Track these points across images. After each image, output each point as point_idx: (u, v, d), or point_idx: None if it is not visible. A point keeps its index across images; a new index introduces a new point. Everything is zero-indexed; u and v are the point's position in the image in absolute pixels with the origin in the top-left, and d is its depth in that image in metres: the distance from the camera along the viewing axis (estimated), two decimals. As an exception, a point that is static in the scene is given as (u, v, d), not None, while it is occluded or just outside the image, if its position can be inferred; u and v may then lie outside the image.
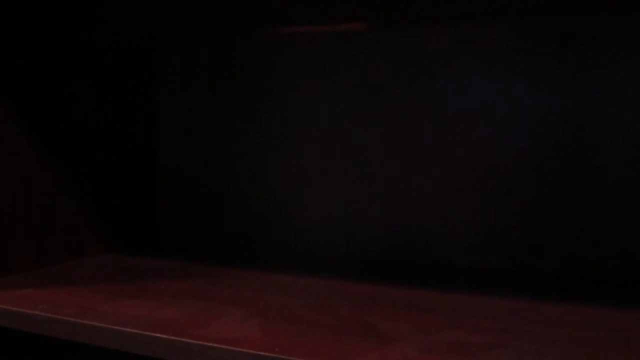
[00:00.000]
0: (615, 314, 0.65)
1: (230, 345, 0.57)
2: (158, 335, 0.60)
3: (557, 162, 0.81)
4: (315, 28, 0.94)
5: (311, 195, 0.95)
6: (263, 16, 0.97)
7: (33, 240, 0.85)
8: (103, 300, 0.72)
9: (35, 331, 0.67)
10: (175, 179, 1.06)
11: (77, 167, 0.92)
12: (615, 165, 0.78)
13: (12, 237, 0.82)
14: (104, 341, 0.63)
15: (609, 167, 0.78)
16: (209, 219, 1.04)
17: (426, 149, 0.88)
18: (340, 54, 0.92)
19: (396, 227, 0.90)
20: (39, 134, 0.86)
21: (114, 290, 0.76)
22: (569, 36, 0.79)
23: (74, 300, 0.72)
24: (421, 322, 0.63)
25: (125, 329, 0.62)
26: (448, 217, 0.87)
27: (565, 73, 0.80)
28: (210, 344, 0.57)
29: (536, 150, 0.81)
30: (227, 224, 1.02)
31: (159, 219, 1.08)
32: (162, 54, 1.06)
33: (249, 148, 1.00)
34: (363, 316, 0.65)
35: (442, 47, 0.86)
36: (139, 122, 1.03)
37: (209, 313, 0.67)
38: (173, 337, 0.59)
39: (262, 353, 0.55)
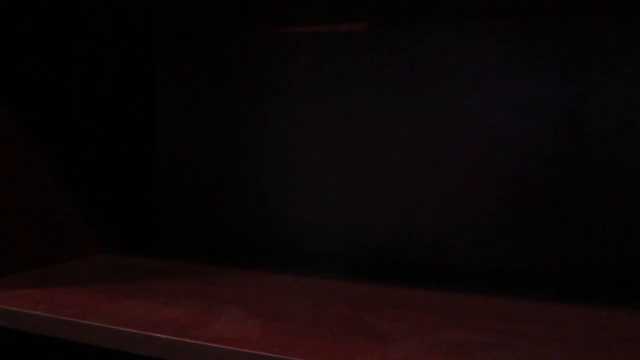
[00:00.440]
0: (615, 314, 0.65)
1: (230, 345, 0.57)
2: (158, 335, 0.60)
3: (557, 162, 0.81)
4: (315, 28, 0.94)
5: (311, 195, 0.95)
6: (263, 16, 0.97)
7: (33, 240, 0.85)
8: (103, 300, 0.72)
9: (35, 331, 0.67)
10: (175, 179, 1.06)
11: (77, 167, 0.92)
12: (616, 165, 0.78)
13: (12, 237, 0.82)
14: (104, 341, 0.63)
15: (609, 167, 0.78)
16: (209, 219, 1.04)
17: (426, 149, 0.88)
18: (340, 54, 0.92)
19: (396, 227, 0.90)
20: (38, 134, 0.86)
21: (114, 290, 0.76)
22: (569, 36, 0.79)
23: (74, 300, 0.72)
24: (421, 322, 0.63)
25: (125, 329, 0.62)
26: (448, 217, 0.87)
27: (565, 73, 0.80)
28: (210, 344, 0.57)
29: (536, 150, 0.81)
30: (227, 224, 1.02)
31: (159, 219, 1.08)
32: (162, 54, 1.06)
33: (249, 148, 1.00)
34: (363, 316, 0.65)
35: (442, 47, 0.86)
36: (139, 122, 1.03)
37: (209, 313, 0.67)
38: (173, 337, 0.59)
39: (262, 353, 0.55)
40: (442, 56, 0.86)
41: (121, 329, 0.62)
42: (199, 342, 0.58)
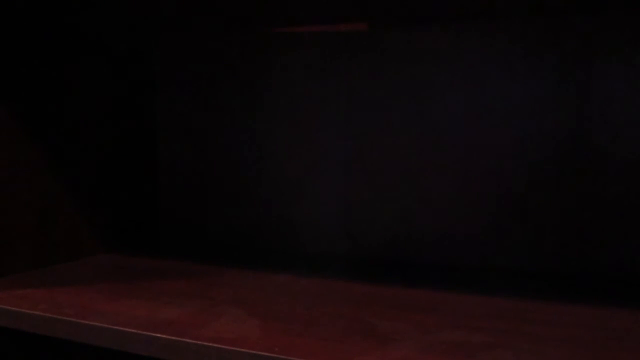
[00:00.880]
0: (615, 314, 0.65)
1: (230, 345, 0.57)
2: (158, 335, 0.60)
3: (557, 162, 0.81)
4: (315, 28, 0.94)
5: (311, 195, 0.95)
6: (263, 16, 0.97)
7: (33, 240, 0.85)
8: (103, 300, 0.72)
9: (36, 331, 0.67)
10: (175, 179, 1.06)
11: (77, 167, 0.92)
12: (615, 165, 0.78)
13: (12, 237, 0.82)
14: (104, 341, 0.63)
15: (609, 167, 0.78)
16: (209, 219, 1.04)
17: (426, 149, 0.88)
18: (340, 54, 0.92)
19: (396, 227, 0.90)
20: (39, 134, 0.86)
21: (114, 290, 0.76)
22: (569, 36, 0.79)
23: (74, 300, 0.72)
24: (421, 322, 0.63)
25: (125, 329, 0.62)
26: (448, 217, 0.87)
27: (565, 73, 0.80)
28: (210, 344, 0.57)
29: (536, 150, 0.81)
30: (227, 224, 1.02)
31: (158, 219, 1.08)
32: (162, 54, 1.06)
33: (249, 148, 1.00)
34: (363, 316, 0.65)
35: (442, 47, 0.86)
36: (139, 122, 1.03)
37: (209, 313, 0.67)
38: (173, 337, 0.59)
39: (262, 353, 0.55)
40: (441, 56, 0.86)
41: (121, 329, 0.62)
42: (199, 342, 0.58)
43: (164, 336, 0.60)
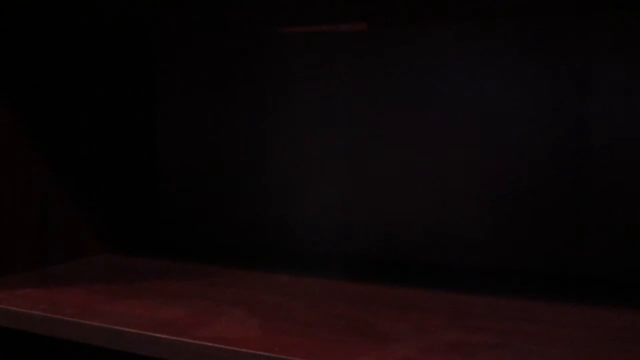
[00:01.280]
0: (615, 314, 0.65)
1: (230, 345, 0.57)
2: (158, 335, 0.60)
3: (557, 162, 0.81)
4: (315, 28, 0.94)
5: (311, 195, 0.95)
6: (263, 16, 0.97)
7: (33, 240, 0.85)
8: (103, 300, 0.72)
9: (35, 331, 0.67)
10: (175, 179, 1.06)
11: (77, 167, 0.92)
12: (615, 165, 0.78)
13: (12, 237, 0.82)
14: (104, 341, 0.63)
15: (609, 167, 0.78)
16: (209, 219, 1.04)
17: (426, 149, 0.88)
18: (340, 54, 0.92)
19: (396, 227, 0.90)
20: (38, 134, 0.86)
21: (114, 290, 0.76)
22: (569, 36, 0.79)
23: (74, 300, 0.72)
24: (421, 322, 0.63)
25: (125, 329, 0.62)
26: (448, 217, 0.87)
27: (565, 73, 0.80)
28: (210, 344, 0.57)
29: (536, 150, 0.81)
30: (227, 224, 1.02)
31: (159, 219, 1.08)
32: (162, 54, 1.06)
33: (248, 148, 1.00)
34: (363, 316, 0.65)
35: (442, 47, 0.86)
36: (139, 121, 1.03)
37: (209, 313, 0.67)
38: (173, 337, 0.59)
39: (262, 353, 0.55)
40: (441, 56, 0.86)
41: (121, 329, 0.62)
42: (199, 342, 0.58)
43: (164, 336, 0.60)
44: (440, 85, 0.86)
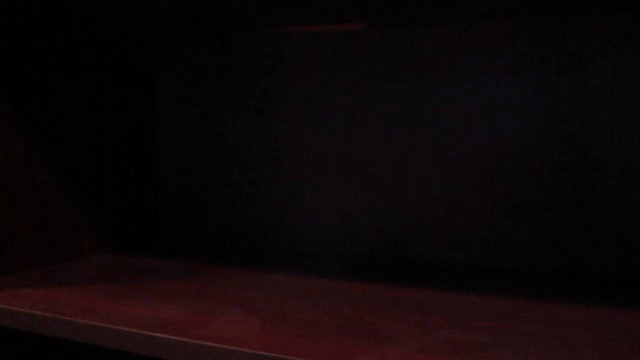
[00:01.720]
0: (615, 314, 0.65)
1: (230, 345, 0.57)
2: (158, 335, 0.60)
3: (558, 162, 0.81)
4: (315, 28, 0.94)
5: (311, 195, 0.95)
6: (263, 16, 0.97)
7: (33, 240, 0.85)
8: (103, 300, 0.72)
9: (36, 331, 0.67)
10: (175, 179, 1.06)
11: (77, 166, 0.92)
12: (616, 165, 0.78)
13: (12, 237, 0.82)
14: (104, 341, 0.63)
15: (609, 167, 0.78)
16: (209, 219, 1.04)
17: (426, 149, 0.88)
18: (340, 54, 0.92)
19: (396, 227, 0.90)
20: (38, 134, 0.86)
21: (114, 290, 0.76)
22: (569, 36, 0.79)
23: (74, 300, 0.72)
24: (421, 322, 0.63)
25: (125, 329, 0.62)
26: (448, 217, 0.87)
27: (565, 73, 0.80)
28: (210, 344, 0.57)
29: (536, 150, 0.81)
30: (227, 224, 1.02)
31: (159, 219, 1.08)
32: (162, 54, 1.06)
33: (248, 148, 1.00)
34: (363, 316, 0.65)
35: (442, 47, 0.86)
36: (139, 121, 1.03)
37: (209, 313, 0.67)
38: (173, 337, 0.59)
39: (262, 353, 0.55)
40: (441, 56, 0.86)
41: (121, 329, 0.62)
42: (199, 342, 0.58)
43: (164, 336, 0.60)
44: (440, 85, 0.86)
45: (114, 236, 0.99)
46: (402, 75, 0.88)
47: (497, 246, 0.84)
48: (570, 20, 0.79)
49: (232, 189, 1.02)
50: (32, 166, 0.85)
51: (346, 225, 0.93)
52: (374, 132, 0.91)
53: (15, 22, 0.82)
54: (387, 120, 0.90)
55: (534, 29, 0.81)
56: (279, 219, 0.98)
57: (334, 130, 0.93)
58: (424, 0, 0.86)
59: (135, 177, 1.03)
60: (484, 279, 0.80)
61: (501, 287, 0.76)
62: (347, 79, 0.92)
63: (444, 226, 0.87)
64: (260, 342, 0.57)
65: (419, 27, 0.87)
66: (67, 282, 0.80)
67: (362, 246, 0.92)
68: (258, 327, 0.62)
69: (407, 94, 0.88)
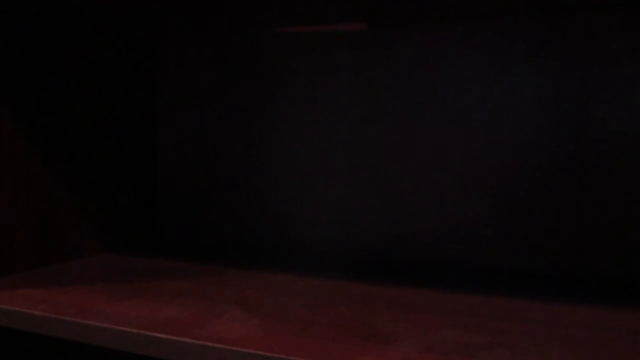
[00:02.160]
0: (615, 314, 0.65)
1: (230, 345, 0.57)
2: (158, 335, 0.60)
3: (557, 162, 0.81)
4: (315, 28, 0.94)
5: (311, 195, 0.95)
6: (263, 16, 0.97)
7: (33, 240, 0.85)
8: (103, 300, 0.72)
9: (36, 331, 0.67)
10: (175, 179, 1.06)
11: (77, 166, 0.92)
12: (616, 165, 0.78)
13: (12, 237, 0.82)
14: (104, 341, 0.63)
15: (609, 167, 0.78)
16: (209, 219, 1.04)
17: (426, 149, 0.88)
18: (340, 54, 0.92)
19: (396, 227, 0.90)
20: (38, 134, 0.86)
21: (114, 290, 0.76)
22: (570, 36, 0.79)
23: (74, 300, 0.72)
24: (421, 322, 0.63)
25: (125, 329, 0.62)
26: (448, 217, 0.87)
27: (565, 73, 0.80)
28: (210, 344, 0.57)
29: (536, 150, 0.81)
30: (227, 224, 1.02)
31: (159, 219, 1.08)
32: (162, 54, 1.06)
33: (249, 148, 1.00)
34: (363, 316, 0.65)
35: (442, 47, 0.86)
36: (139, 121, 1.03)
37: (209, 313, 0.67)
38: (173, 337, 0.59)
39: (262, 353, 0.55)
40: (442, 56, 0.86)
41: (121, 328, 0.62)
42: (199, 342, 0.58)
43: (164, 336, 0.60)
44: (440, 85, 0.86)
45: (114, 236, 0.99)
46: (402, 75, 0.88)
47: (497, 246, 0.84)
48: (570, 20, 0.79)
49: (232, 188, 1.02)
50: (32, 166, 0.85)
51: (346, 225, 0.93)
52: (374, 132, 0.91)
53: (15, 22, 0.82)
54: (387, 120, 0.90)
55: (534, 29, 0.81)
56: (279, 219, 0.98)
57: (334, 130, 0.93)
58: (424, 0, 0.86)
59: (135, 177, 1.03)
60: (484, 279, 0.80)
61: (501, 287, 0.76)
62: (347, 78, 0.92)
63: (444, 226, 0.87)
64: (260, 342, 0.57)
65: (419, 27, 0.87)
66: (67, 282, 0.80)
67: (362, 246, 0.92)
68: (258, 327, 0.62)
69: (407, 93, 0.88)
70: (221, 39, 1.01)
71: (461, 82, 0.85)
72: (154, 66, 1.06)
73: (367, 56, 0.90)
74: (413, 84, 0.88)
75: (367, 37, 0.90)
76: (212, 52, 1.02)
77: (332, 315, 0.66)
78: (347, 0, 0.91)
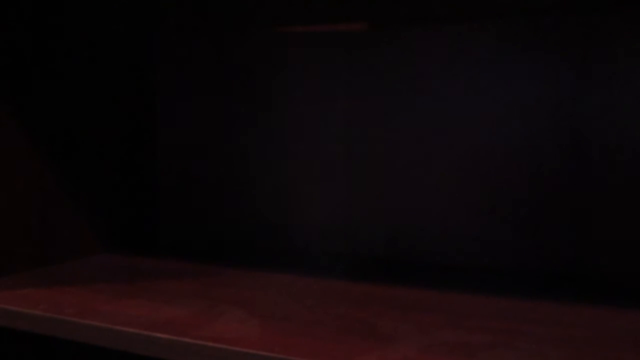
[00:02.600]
0: (615, 314, 0.65)
1: (230, 345, 0.57)
2: (158, 335, 0.60)
3: (557, 162, 0.81)
4: (315, 28, 0.94)
5: (311, 195, 0.95)
6: (263, 16, 0.97)
7: (33, 240, 0.85)
8: (103, 300, 0.72)
9: (36, 331, 0.67)
10: (175, 178, 1.06)
11: (77, 166, 0.92)
12: (616, 165, 0.78)
13: (12, 237, 0.82)
14: (104, 341, 0.63)
15: (609, 167, 0.78)
16: (209, 219, 1.04)
17: (426, 149, 0.88)
18: (340, 54, 0.92)
19: (396, 227, 0.90)
20: (38, 134, 0.86)
21: (114, 290, 0.76)
22: (570, 36, 0.79)
23: (74, 300, 0.72)
24: (421, 322, 0.63)
25: (125, 329, 0.62)
26: (448, 217, 0.87)
27: (565, 73, 0.80)
28: (210, 344, 0.57)
29: (536, 150, 0.81)
30: (227, 224, 1.02)
31: (159, 219, 1.08)
32: (162, 54, 1.06)
33: (248, 148, 1.00)
34: (363, 316, 0.65)
35: (442, 47, 0.86)
36: (139, 121, 1.03)
37: (209, 313, 0.67)
38: (173, 337, 0.59)
39: (262, 353, 0.55)
40: (441, 56, 0.86)
41: (121, 328, 0.62)
42: (199, 342, 0.58)
43: (164, 336, 0.60)
44: (439, 85, 0.86)
45: (114, 236, 0.99)
46: (401, 75, 0.88)
47: (496, 246, 0.84)
48: (570, 20, 0.79)
49: (232, 188, 1.02)
50: (32, 166, 0.85)
51: (346, 225, 0.93)
52: (374, 132, 0.91)
53: (15, 22, 0.82)
54: (387, 120, 0.90)
55: (534, 29, 0.81)
56: (279, 219, 0.98)
57: (334, 130, 0.93)
58: (424, 1, 0.86)
59: (135, 177, 1.03)
60: (484, 279, 0.80)
61: (501, 287, 0.76)
62: (347, 79, 0.92)
63: (444, 226, 0.87)
64: (260, 342, 0.57)
65: (419, 27, 0.87)
66: (67, 282, 0.80)
67: (362, 246, 0.92)
68: (258, 327, 0.62)
69: (407, 93, 0.88)
70: (221, 38, 1.01)
71: (461, 82, 0.85)
72: (154, 66, 1.06)
73: (367, 56, 0.90)
74: (412, 84, 0.88)
75: (367, 37, 0.90)
76: (212, 52, 1.02)
77: (332, 316, 0.66)
78: (347, 0, 0.91)
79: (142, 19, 1.03)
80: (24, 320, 0.68)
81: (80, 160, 0.93)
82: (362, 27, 0.91)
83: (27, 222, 0.84)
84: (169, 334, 0.60)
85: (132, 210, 1.02)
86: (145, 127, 1.05)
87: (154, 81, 1.06)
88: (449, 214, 0.87)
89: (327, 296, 0.73)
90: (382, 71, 0.89)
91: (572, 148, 0.80)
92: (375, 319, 0.64)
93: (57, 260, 0.89)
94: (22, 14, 0.83)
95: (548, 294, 0.73)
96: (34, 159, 0.85)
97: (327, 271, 0.84)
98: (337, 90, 0.93)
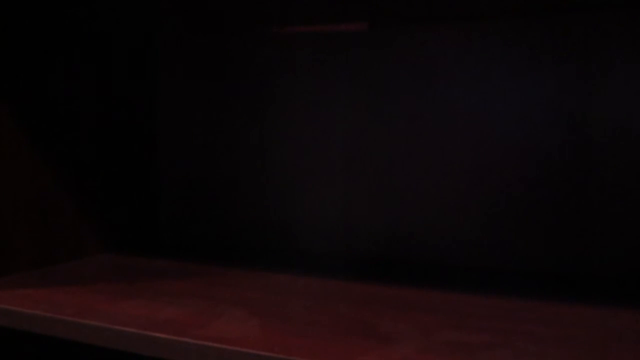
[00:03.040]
0: (615, 314, 0.65)
1: (230, 345, 0.57)
2: (158, 335, 0.60)
3: (557, 162, 0.81)
4: (315, 28, 0.94)
5: (311, 195, 0.95)
6: (263, 16, 0.97)
7: (33, 240, 0.85)
8: (103, 300, 0.72)
9: (36, 331, 0.67)
10: (175, 179, 1.06)
11: (77, 166, 0.92)
12: (616, 165, 0.78)
13: (12, 237, 0.82)
14: (104, 341, 0.63)
15: (609, 167, 0.78)
16: (209, 219, 1.04)
17: (426, 149, 0.88)
18: (340, 54, 0.92)
19: (396, 227, 0.90)
20: (39, 134, 0.86)
21: (114, 290, 0.76)
22: (570, 36, 0.79)
23: (74, 300, 0.72)
24: (421, 322, 0.63)
25: (125, 329, 0.62)
26: (448, 217, 0.87)
27: (565, 73, 0.80)
28: (210, 344, 0.57)
29: (536, 150, 0.81)
30: (227, 224, 1.02)
31: (159, 219, 1.08)
32: (162, 54, 1.06)
33: (248, 148, 1.00)
34: (363, 316, 0.65)
35: (442, 47, 0.86)
36: (139, 121, 1.03)
37: (209, 313, 0.67)
38: (173, 337, 0.59)
39: (262, 353, 0.55)
40: (442, 56, 0.86)
41: (121, 328, 0.62)
42: (199, 342, 0.58)
43: (164, 336, 0.60)
44: (439, 85, 0.86)
45: (114, 236, 0.99)
46: (402, 75, 0.88)
47: (496, 246, 0.84)
48: (570, 20, 0.79)
49: (232, 188, 1.02)
50: (32, 166, 0.85)
51: (346, 225, 0.93)
52: (374, 132, 0.91)
53: (15, 22, 0.82)
54: (387, 121, 0.90)
55: (534, 29, 0.81)
56: (279, 219, 0.98)
57: (334, 130, 0.93)
58: (424, 0, 0.86)
59: (135, 177, 1.03)
60: (484, 279, 0.80)
61: (501, 287, 0.76)
62: (347, 79, 0.92)
63: (444, 226, 0.87)
64: (260, 342, 0.57)
65: (419, 27, 0.87)
66: (67, 282, 0.80)
67: (362, 246, 0.92)
68: (258, 327, 0.62)
69: (407, 94, 0.88)
70: (221, 38, 1.01)
71: (461, 82, 0.85)
72: (155, 66, 1.06)
73: (367, 56, 0.90)
74: (413, 84, 0.88)
75: (367, 37, 0.90)
76: (213, 52, 1.02)
77: (332, 315, 0.66)
78: (347, 0, 0.91)
79: (142, 19, 1.03)
80: (24, 320, 0.68)
81: (81, 160, 0.92)
82: (362, 27, 0.91)
83: (27, 222, 0.84)
84: (168, 333, 0.60)
85: (132, 210, 1.02)
86: (146, 127, 1.05)
87: (155, 81, 1.06)
88: (448, 213, 0.87)
89: (327, 296, 0.73)
90: (383, 71, 0.89)
91: (572, 148, 0.80)
92: (375, 319, 0.64)
93: (57, 260, 0.89)
94: (22, 14, 0.83)
95: (548, 294, 0.73)
96: (34, 159, 0.85)
97: (327, 271, 0.84)
98: (337, 91, 0.93)
